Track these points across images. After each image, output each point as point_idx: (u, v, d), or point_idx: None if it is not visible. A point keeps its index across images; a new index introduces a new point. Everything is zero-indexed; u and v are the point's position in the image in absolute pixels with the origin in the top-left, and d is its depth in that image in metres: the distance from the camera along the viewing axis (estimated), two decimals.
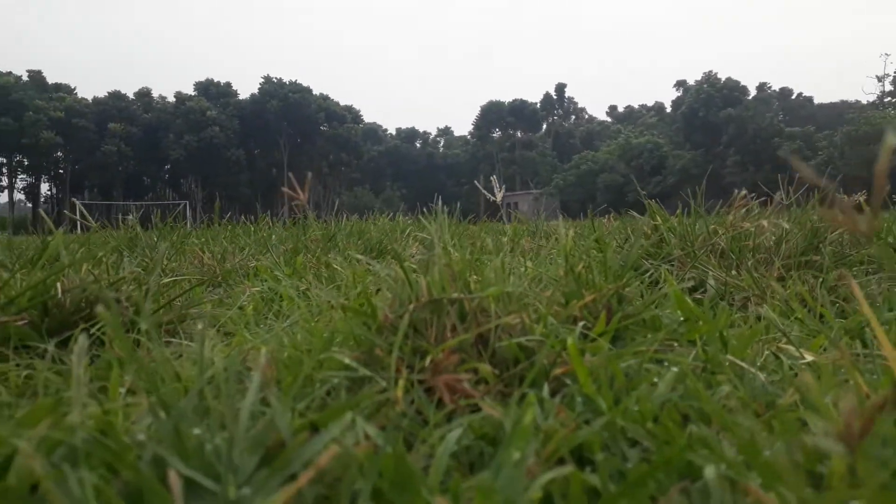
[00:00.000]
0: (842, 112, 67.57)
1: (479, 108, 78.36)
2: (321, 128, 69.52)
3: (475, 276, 1.31)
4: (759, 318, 1.61)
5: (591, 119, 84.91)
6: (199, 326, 0.86)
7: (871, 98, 61.60)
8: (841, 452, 0.50)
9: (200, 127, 63.38)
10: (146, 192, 67.09)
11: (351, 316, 1.16)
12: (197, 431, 0.66)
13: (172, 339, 1.57)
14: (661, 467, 0.70)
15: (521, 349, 1.14)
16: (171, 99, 67.57)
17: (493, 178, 2.15)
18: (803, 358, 1.18)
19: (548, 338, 1.14)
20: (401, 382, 0.95)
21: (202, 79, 72.22)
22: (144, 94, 69.07)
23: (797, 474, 0.52)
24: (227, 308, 1.95)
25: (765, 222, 2.12)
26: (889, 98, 58.39)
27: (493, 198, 2.10)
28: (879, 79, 57.82)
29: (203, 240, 4.18)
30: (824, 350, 1.28)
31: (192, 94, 68.39)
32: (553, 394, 1.03)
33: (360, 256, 1.50)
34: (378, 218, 4.31)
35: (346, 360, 1.01)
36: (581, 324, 1.25)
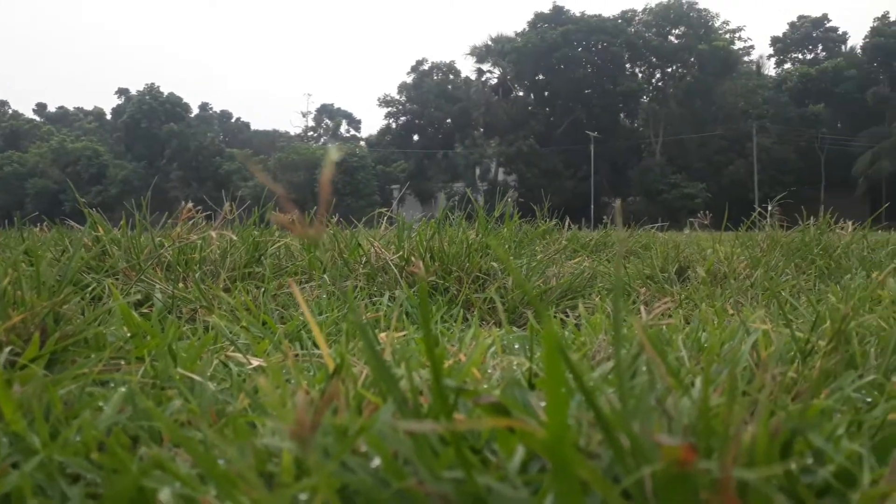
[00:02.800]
0: (274, 140, 75.53)
1: None
2: None
3: None
4: (207, 329, 1.64)
5: (17, 115, 73.89)
6: None
7: (298, 130, 70.69)
8: (292, 448, 0.53)
9: None
10: None
11: None
12: None
13: None
14: (111, 500, 0.63)
15: None
16: None
17: None
18: (250, 363, 1.24)
19: None
20: None
21: None
22: None
23: (251, 477, 0.53)
24: None
25: (213, 233, 2.18)
26: (311, 132, 67.93)
27: None
28: (304, 114, 66.78)
29: None
30: (268, 354, 1.37)
31: None
32: None
33: None
34: None
35: None
36: (7, 349, 1.05)
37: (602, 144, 53.84)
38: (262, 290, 2.14)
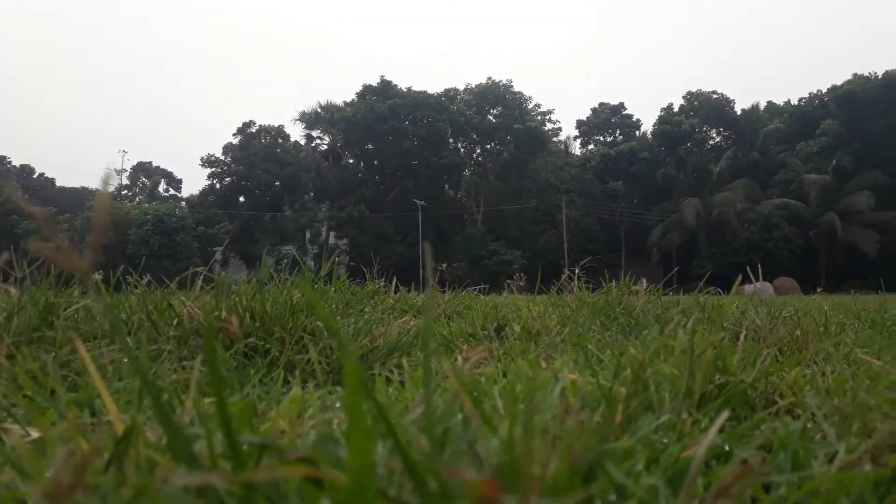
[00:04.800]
0: (84, 198, 69.67)
1: None
2: None
3: None
4: None
5: None
6: None
7: (111, 189, 65.76)
8: None
9: None
10: None
11: None
12: None
13: None
14: None
15: None
16: None
17: None
18: (29, 435, 1.08)
19: None
20: None
21: None
22: None
23: None
24: None
25: None
26: (126, 191, 63.56)
27: None
28: (118, 172, 62.42)
29: None
30: (54, 424, 1.21)
31: None
32: None
33: None
34: None
35: None
36: None
37: (429, 212, 55.71)
38: (53, 354, 1.91)
